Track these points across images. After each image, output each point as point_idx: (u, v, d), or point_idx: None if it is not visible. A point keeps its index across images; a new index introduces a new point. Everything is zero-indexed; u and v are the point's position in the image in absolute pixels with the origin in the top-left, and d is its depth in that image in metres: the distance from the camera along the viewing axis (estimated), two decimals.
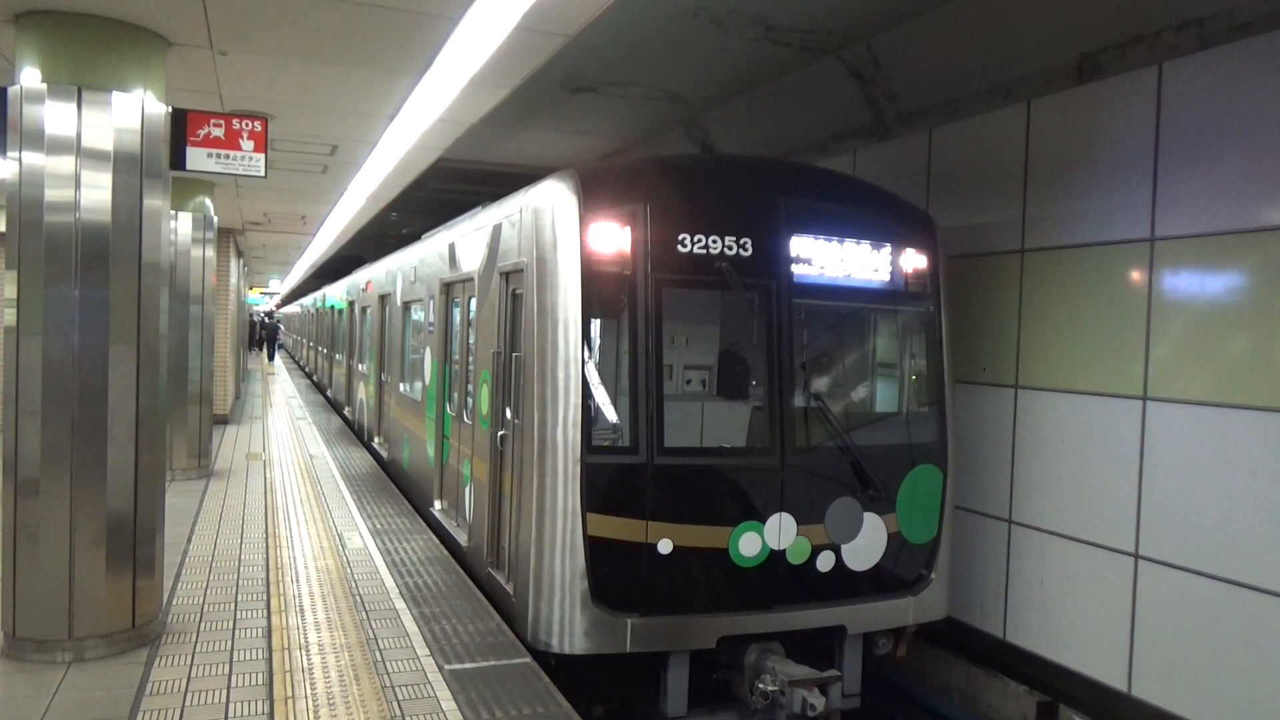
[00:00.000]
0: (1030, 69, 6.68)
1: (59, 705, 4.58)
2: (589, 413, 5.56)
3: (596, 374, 5.86)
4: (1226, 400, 5.33)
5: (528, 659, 5.40)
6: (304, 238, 18.67)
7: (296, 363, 38.73)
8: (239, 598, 6.36)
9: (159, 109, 5.35)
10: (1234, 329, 5.34)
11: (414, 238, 12.24)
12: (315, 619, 5.96)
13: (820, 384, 6.48)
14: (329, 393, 21.93)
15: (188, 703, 4.66)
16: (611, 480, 5.57)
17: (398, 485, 10.80)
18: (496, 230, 6.82)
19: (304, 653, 5.36)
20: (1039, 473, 6.61)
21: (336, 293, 21.11)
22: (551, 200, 5.74)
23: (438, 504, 8.76)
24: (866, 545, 6.09)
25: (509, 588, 6.16)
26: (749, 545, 5.75)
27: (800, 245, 6.03)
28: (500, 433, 6.47)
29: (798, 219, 6.04)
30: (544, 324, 5.61)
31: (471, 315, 7.61)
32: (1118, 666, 5.95)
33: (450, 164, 10.85)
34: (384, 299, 13.06)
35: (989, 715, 6.77)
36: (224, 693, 4.79)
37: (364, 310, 15.50)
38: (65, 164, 4.99)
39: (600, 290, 5.67)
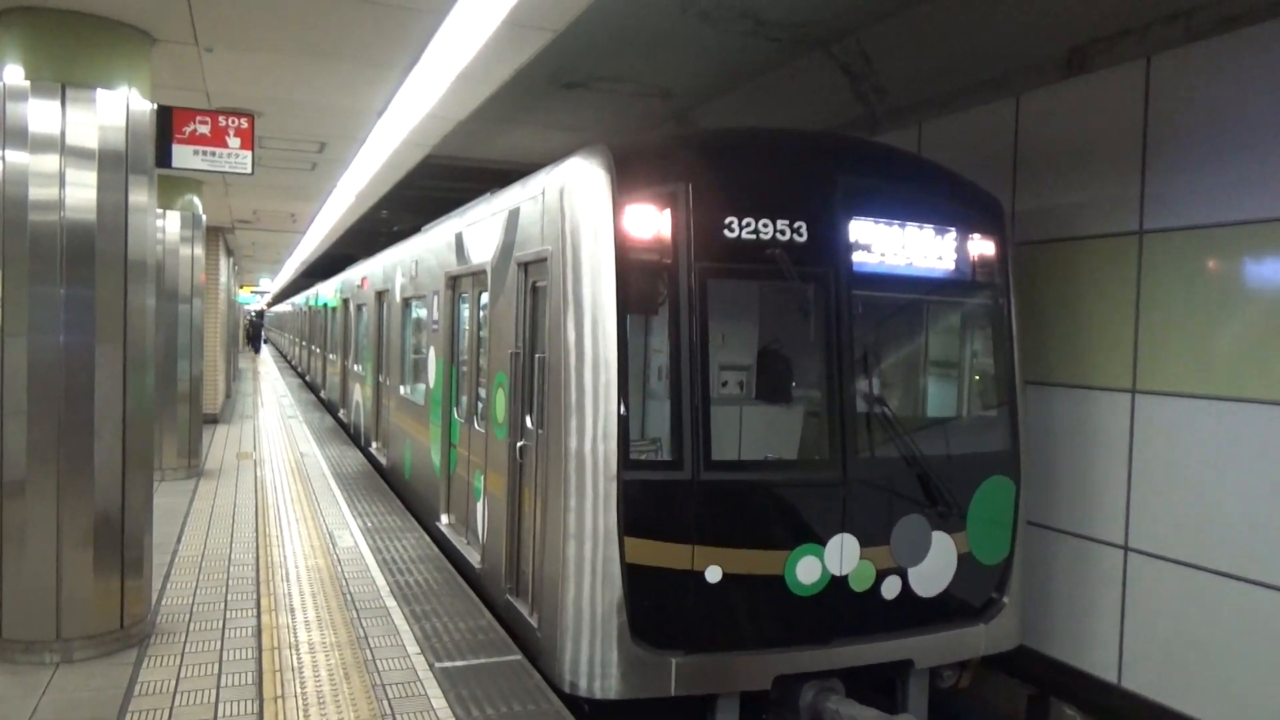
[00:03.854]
0: (1019, 63, 6.68)
1: (46, 706, 4.55)
2: (625, 422, 4.90)
3: (632, 377, 5.29)
4: None
5: (519, 656, 5.39)
6: (294, 236, 18.60)
7: (288, 362, 38.60)
8: (229, 597, 6.33)
9: (144, 106, 5.31)
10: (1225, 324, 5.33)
11: (404, 235, 12.16)
12: (305, 618, 5.93)
13: (883, 386, 5.79)
14: (323, 394, 21.29)
15: (177, 703, 4.63)
16: (652, 499, 4.93)
17: (398, 493, 10.19)
18: (513, 216, 6.14)
19: (294, 652, 5.34)
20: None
21: (330, 290, 20.48)
22: (580, 180, 5.11)
23: (445, 518, 8.08)
24: (935, 568, 5.48)
25: (533, 620, 5.50)
26: (807, 571, 5.12)
27: (860, 230, 5.38)
28: (520, 443, 5.83)
29: (857, 200, 5.38)
30: (572, 320, 4.98)
31: (483, 311, 7.05)
32: None
33: (440, 161, 10.80)
34: (381, 296, 12.45)
35: None
36: (213, 693, 4.77)
37: (359, 308, 14.87)
38: (49, 162, 4.95)
39: (637, 281, 5.02)
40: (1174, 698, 5.59)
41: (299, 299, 33.61)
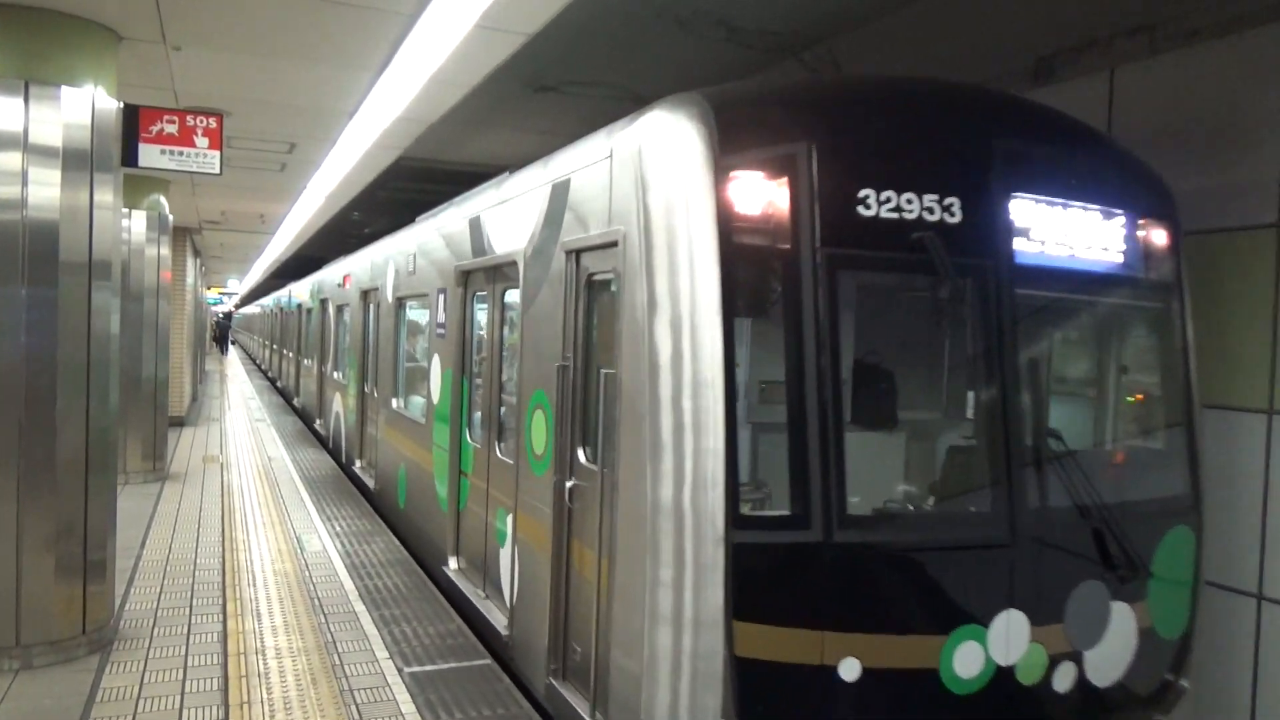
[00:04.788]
0: (988, 72, 6.77)
1: (5, 714, 4.47)
2: (736, 464, 3.65)
3: (743, 402, 4.14)
4: None
5: (488, 660, 5.37)
6: (263, 237, 18.42)
7: (257, 365, 38.18)
8: (194, 602, 6.25)
9: (110, 104, 5.24)
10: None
11: (376, 237, 12.03)
12: (272, 623, 5.87)
13: (1053, 412, 4.52)
14: (296, 401, 19.84)
15: (140, 710, 4.57)
16: (771, 569, 3.74)
17: (391, 524, 8.96)
18: (559, 191, 4.91)
19: (260, 657, 5.28)
20: None
21: (304, 290, 18.91)
22: (668, 138, 3.89)
23: (454, 561, 6.80)
24: (1115, 649, 4.29)
25: None
26: (967, 661, 3.90)
27: (1023, 210, 4.19)
28: (569, 483, 4.61)
29: (1019, 172, 4.23)
30: (660, 326, 3.77)
31: (511, 312, 5.93)
32: None
33: (412, 163, 10.74)
34: (368, 295, 11.09)
35: None
36: (178, 699, 4.71)
37: (340, 309, 13.51)
38: (12, 160, 4.87)
39: (746, 273, 3.86)
40: None
41: (269, 300, 33.15)
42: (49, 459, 5.00)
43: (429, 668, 5.24)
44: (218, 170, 6.26)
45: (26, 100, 4.88)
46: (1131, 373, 5.10)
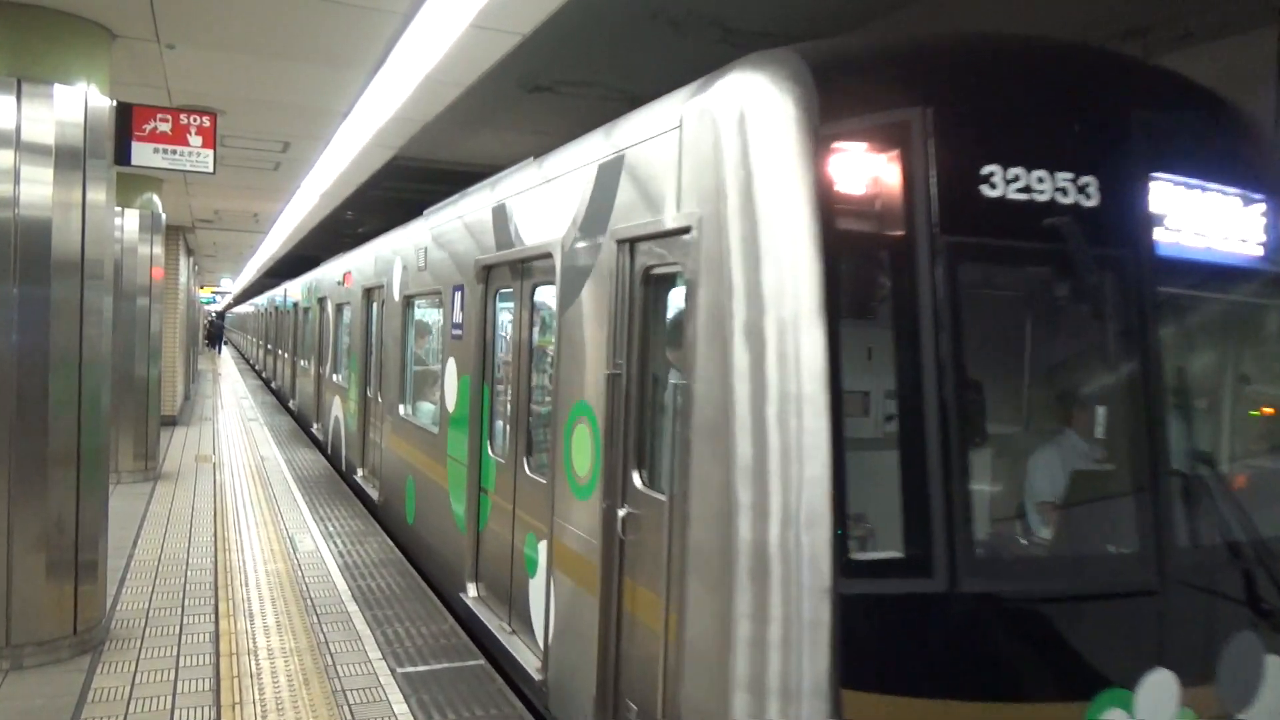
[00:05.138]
0: None
1: None
2: (844, 497, 3.00)
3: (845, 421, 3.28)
4: None
5: (481, 661, 5.36)
6: (256, 236, 18.38)
7: (250, 365, 38.09)
8: (186, 602, 6.23)
9: (103, 102, 5.23)
10: None
11: (370, 236, 11.97)
12: (265, 623, 5.86)
13: (1200, 430, 3.94)
14: (292, 404, 18.98)
15: (131, 710, 4.56)
16: (886, 626, 3.13)
17: (398, 541, 8.22)
18: (610, 171, 4.20)
19: (252, 658, 5.27)
20: None
21: (301, 288, 18.03)
22: (757, 105, 3.26)
23: (473, 589, 6.10)
24: (1268, 710, 3.61)
25: None
26: None
27: (1165, 194, 3.55)
28: (622, 510, 3.93)
29: (1160, 150, 3.58)
30: (744, 329, 3.15)
31: (543, 311, 5.42)
32: None
33: (406, 162, 10.73)
34: (371, 293, 10.46)
35: None
36: (169, 699, 4.69)
37: (340, 308, 12.84)
38: (4, 158, 4.86)
39: (850, 266, 3.21)
40: None
41: (262, 299, 33.00)
42: (40, 458, 4.98)
43: (422, 668, 5.23)
44: (211, 169, 6.25)
45: (19, 98, 4.86)
46: (1272, 381, 4.39)
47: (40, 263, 4.93)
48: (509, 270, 5.74)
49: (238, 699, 4.72)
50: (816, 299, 3.06)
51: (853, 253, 3.20)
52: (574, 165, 4.68)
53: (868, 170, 3.18)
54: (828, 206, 3.10)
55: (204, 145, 6.14)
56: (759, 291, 3.12)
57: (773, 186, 3.16)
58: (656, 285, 3.96)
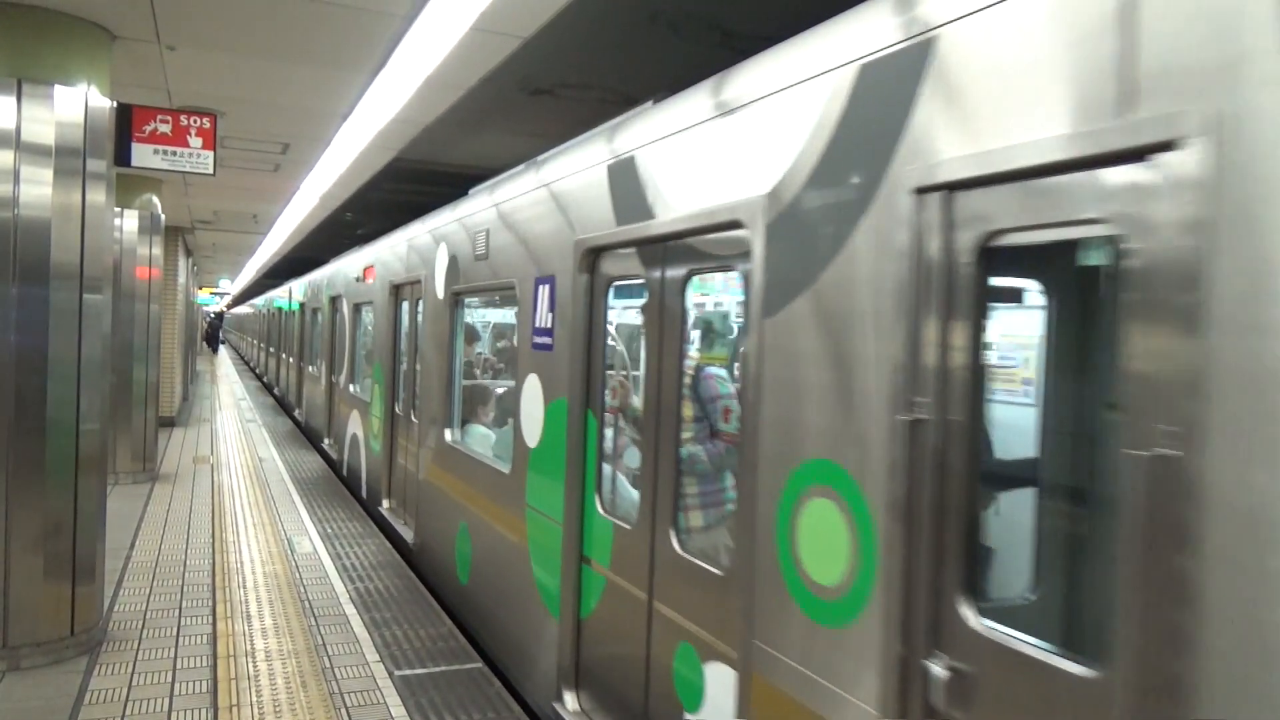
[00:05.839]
0: None
1: None
2: None
3: None
4: None
5: (479, 664, 5.36)
6: (255, 237, 18.36)
7: (249, 367, 38.04)
8: (183, 604, 6.22)
9: (103, 103, 5.23)
10: None
11: (371, 238, 11.87)
12: (262, 625, 5.85)
13: None
14: (297, 413, 17.25)
15: (128, 712, 4.55)
16: None
17: (444, 603, 6.57)
18: (895, 68, 2.51)
19: (250, 660, 5.26)
20: None
21: (309, 286, 16.21)
22: None
23: (571, 700, 4.43)
24: None
25: None
26: None
27: None
28: (939, 666, 2.27)
29: None
30: None
31: (712, 313, 4.49)
32: None
33: (407, 164, 10.73)
34: (401, 290, 8.81)
35: None
36: (166, 701, 4.68)
37: (357, 309, 11.26)
38: (4, 158, 4.86)
39: None
40: None
41: (260, 300, 32.91)
42: (38, 458, 4.98)
43: (419, 671, 5.22)
44: (211, 170, 6.25)
45: (19, 99, 4.87)
46: None
47: (39, 263, 4.93)
48: (637, 253, 4.08)
49: (235, 701, 4.71)
50: None
51: None
52: (783, 82, 3.11)
53: None
54: None
55: (204, 146, 6.14)
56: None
57: None
58: (1008, 265, 2.44)
